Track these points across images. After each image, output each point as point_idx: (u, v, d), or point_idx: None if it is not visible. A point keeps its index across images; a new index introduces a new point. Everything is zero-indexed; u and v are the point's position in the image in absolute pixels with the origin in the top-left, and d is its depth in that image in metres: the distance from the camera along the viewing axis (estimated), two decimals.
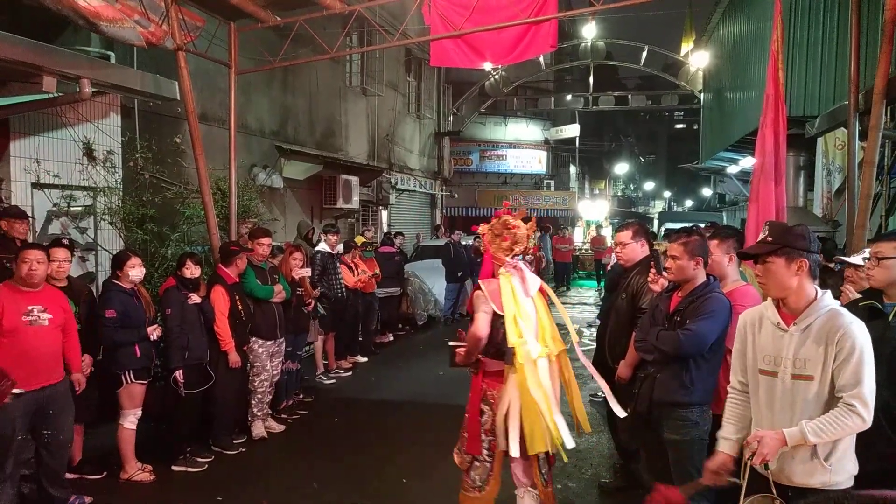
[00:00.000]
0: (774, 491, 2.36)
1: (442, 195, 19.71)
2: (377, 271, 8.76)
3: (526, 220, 3.60)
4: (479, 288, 3.42)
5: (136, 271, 4.69)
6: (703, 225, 5.38)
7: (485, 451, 3.41)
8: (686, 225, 4.14)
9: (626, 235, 4.14)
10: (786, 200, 4.90)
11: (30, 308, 3.85)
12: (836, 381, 2.30)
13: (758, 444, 2.31)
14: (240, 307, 5.33)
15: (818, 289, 2.44)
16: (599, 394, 6.47)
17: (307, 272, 6.63)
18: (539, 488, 3.43)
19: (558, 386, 3.40)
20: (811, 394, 2.34)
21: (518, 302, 3.32)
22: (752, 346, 2.55)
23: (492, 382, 3.41)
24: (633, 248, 4.10)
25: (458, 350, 3.46)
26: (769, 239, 2.48)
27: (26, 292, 3.87)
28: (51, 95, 5.05)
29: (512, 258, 3.47)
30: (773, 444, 2.30)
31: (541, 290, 3.50)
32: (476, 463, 3.44)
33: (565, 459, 3.67)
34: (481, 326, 3.30)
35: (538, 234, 14.89)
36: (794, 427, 2.30)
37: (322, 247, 7.76)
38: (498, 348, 3.35)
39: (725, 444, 2.66)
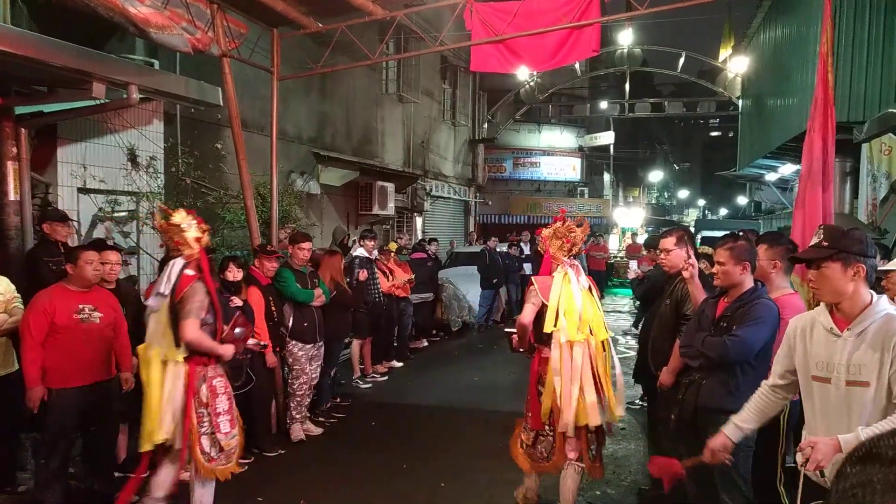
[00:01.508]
0: None
1: (475, 202, 19.72)
2: (412, 276, 8.79)
3: (579, 224, 4.02)
4: (532, 284, 3.91)
5: None
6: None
7: (547, 427, 3.87)
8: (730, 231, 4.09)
9: (669, 242, 4.08)
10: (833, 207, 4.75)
11: (81, 307, 3.97)
12: (893, 386, 2.24)
13: (811, 451, 2.25)
14: (273, 308, 5.38)
15: (873, 293, 2.38)
16: (637, 401, 6.37)
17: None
18: (585, 462, 3.82)
19: (600, 367, 3.80)
20: (867, 400, 2.29)
21: (566, 294, 3.78)
22: (803, 352, 2.50)
23: (546, 366, 3.83)
24: (678, 254, 4.04)
25: (512, 336, 4.05)
26: (825, 244, 2.42)
27: (77, 292, 3.99)
28: (100, 101, 5.19)
29: (568, 257, 3.92)
30: (827, 450, 2.23)
31: (592, 287, 4.00)
32: (540, 437, 3.91)
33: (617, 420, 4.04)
34: (525, 315, 3.85)
35: None
36: (850, 434, 2.23)
37: (360, 252, 7.82)
38: (548, 336, 3.78)
39: (732, 428, 2.75)
